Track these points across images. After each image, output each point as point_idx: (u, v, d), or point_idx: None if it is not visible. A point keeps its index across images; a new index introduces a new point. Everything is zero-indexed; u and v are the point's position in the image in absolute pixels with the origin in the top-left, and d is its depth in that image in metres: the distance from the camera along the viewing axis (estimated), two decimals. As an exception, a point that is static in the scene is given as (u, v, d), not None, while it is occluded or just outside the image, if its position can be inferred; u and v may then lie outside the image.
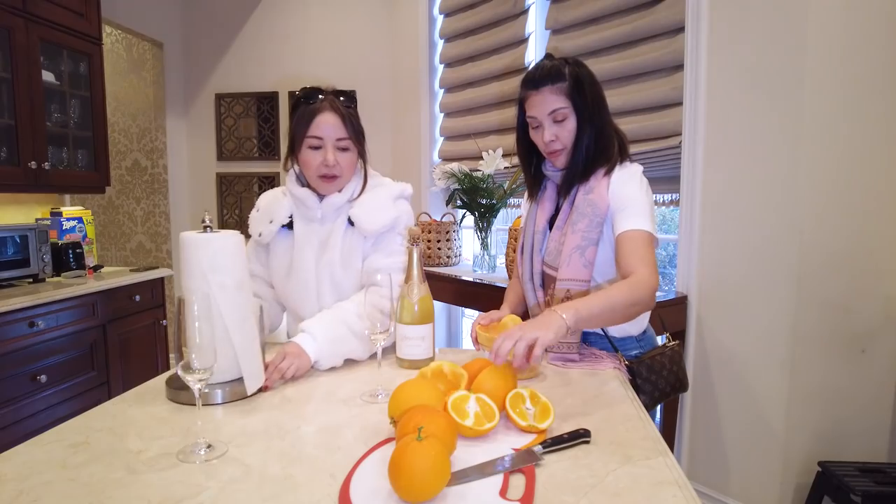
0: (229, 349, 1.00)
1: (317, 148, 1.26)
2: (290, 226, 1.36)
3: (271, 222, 1.34)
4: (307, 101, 1.27)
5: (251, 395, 1.04)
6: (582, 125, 1.24)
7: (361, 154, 1.33)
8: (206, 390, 1.00)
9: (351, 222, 1.31)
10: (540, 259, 1.32)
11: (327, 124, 1.25)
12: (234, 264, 1.04)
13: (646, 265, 1.14)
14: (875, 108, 1.90)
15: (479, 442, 0.83)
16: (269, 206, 1.37)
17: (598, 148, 1.25)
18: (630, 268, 1.15)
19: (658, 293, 2.25)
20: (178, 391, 1.02)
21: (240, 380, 1.03)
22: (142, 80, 3.93)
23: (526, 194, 1.46)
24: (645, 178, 1.27)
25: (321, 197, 1.32)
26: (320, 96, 1.27)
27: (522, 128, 1.34)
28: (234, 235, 1.05)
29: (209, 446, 0.82)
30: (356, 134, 1.29)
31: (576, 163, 1.26)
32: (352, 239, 1.32)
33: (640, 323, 1.34)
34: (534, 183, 1.39)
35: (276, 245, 1.39)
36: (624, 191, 1.22)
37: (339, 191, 1.32)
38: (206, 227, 1.04)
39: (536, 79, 1.25)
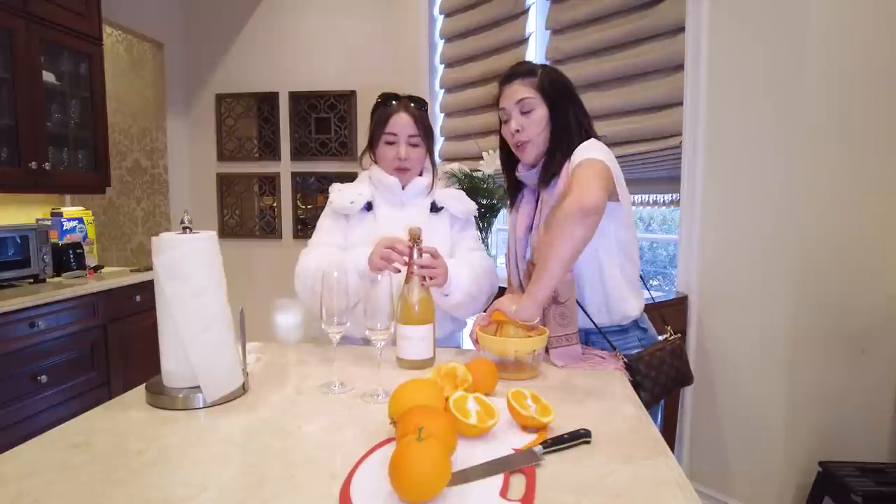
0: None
1: (392, 143, 1.43)
2: (368, 208, 1.47)
3: (360, 194, 1.46)
4: (385, 104, 1.45)
5: (241, 397, 1.04)
6: (556, 118, 1.28)
7: (430, 150, 1.49)
8: (190, 395, 0.99)
9: (433, 209, 1.47)
10: (524, 265, 1.33)
11: (401, 122, 1.42)
12: (197, 269, 0.99)
13: (571, 191, 1.11)
14: (875, 108, 1.90)
15: (480, 442, 0.83)
16: (352, 185, 1.50)
17: (572, 143, 1.27)
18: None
19: (658, 293, 2.28)
20: (158, 396, 1.00)
21: (226, 383, 1.02)
22: (142, 80, 3.93)
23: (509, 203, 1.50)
24: (597, 141, 1.27)
25: (402, 186, 1.46)
26: (395, 101, 1.45)
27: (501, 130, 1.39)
28: (200, 241, 1.00)
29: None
30: (426, 132, 1.45)
31: (552, 156, 1.28)
32: (437, 224, 1.47)
33: (639, 300, 1.35)
34: (513, 190, 1.44)
35: (354, 225, 1.46)
36: (575, 155, 1.24)
37: (419, 175, 1.48)
38: (185, 229, 1.01)
39: (508, 75, 1.34)
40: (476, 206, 1.54)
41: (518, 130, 1.30)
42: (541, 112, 1.29)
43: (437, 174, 1.54)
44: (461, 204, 1.50)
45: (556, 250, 1.10)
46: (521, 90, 1.29)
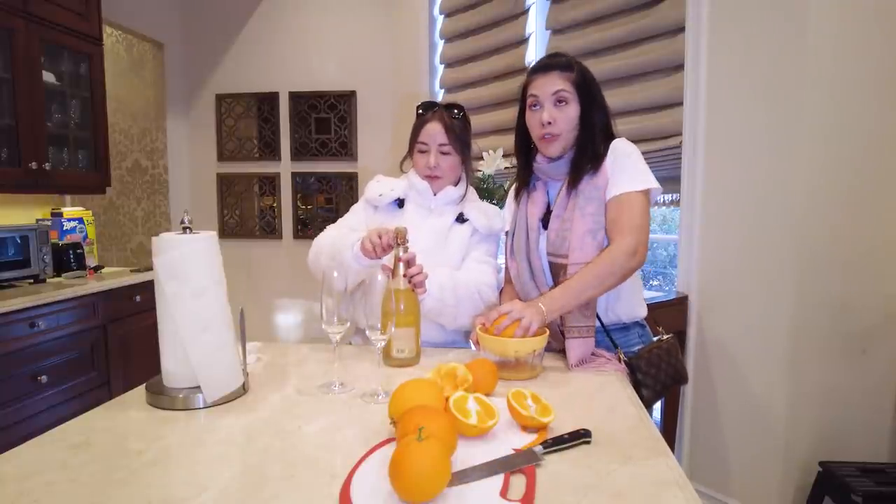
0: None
1: (424, 152, 1.46)
2: (400, 205, 1.50)
3: (392, 190, 1.50)
4: (423, 113, 1.48)
5: (241, 398, 1.04)
6: (587, 115, 1.29)
7: (464, 161, 1.50)
8: (190, 395, 0.99)
9: (459, 220, 1.47)
10: (538, 256, 1.32)
11: (433, 131, 1.44)
12: (197, 270, 0.99)
13: (624, 231, 1.21)
14: (875, 108, 1.90)
15: (480, 442, 0.83)
16: (391, 180, 1.54)
17: (598, 143, 1.29)
18: (610, 236, 1.24)
19: (658, 293, 2.28)
20: (158, 396, 1.00)
21: (226, 383, 1.02)
22: (142, 80, 3.93)
23: (510, 196, 1.49)
24: (635, 148, 1.30)
25: (435, 192, 1.48)
26: (430, 110, 1.48)
27: (522, 115, 1.37)
28: (200, 241, 1.00)
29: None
30: (458, 142, 1.46)
31: (584, 150, 1.29)
32: (458, 233, 1.47)
33: (643, 301, 1.38)
34: (524, 178, 1.42)
35: (382, 218, 1.49)
36: (613, 159, 1.27)
37: (452, 186, 1.49)
38: (185, 229, 1.01)
39: (546, 64, 1.31)
40: (502, 227, 1.50)
41: (550, 122, 1.27)
42: (574, 109, 1.28)
43: (471, 182, 1.54)
44: (486, 219, 1.47)
45: (598, 283, 1.18)
46: (559, 81, 1.27)
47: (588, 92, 1.29)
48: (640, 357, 1.24)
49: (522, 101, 1.35)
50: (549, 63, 1.30)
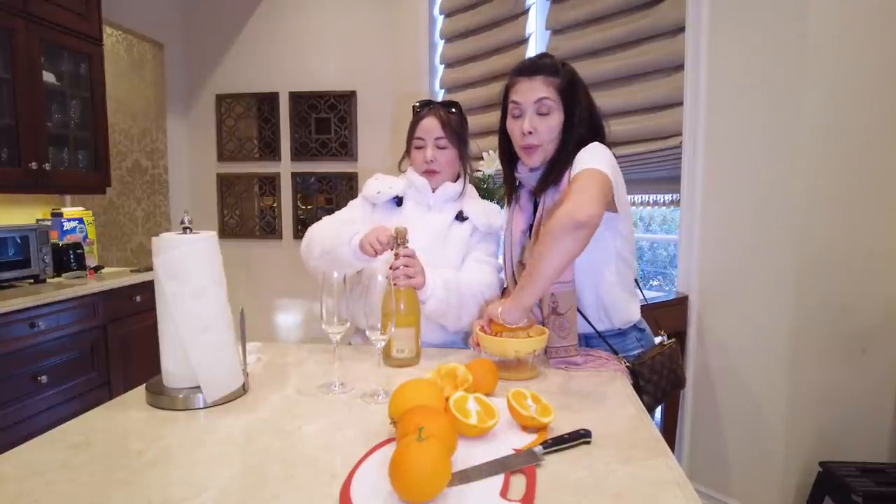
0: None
1: (420, 148, 1.47)
2: (398, 203, 1.50)
3: (391, 188, 1.50)
4: (419, 110, 1.50)
5: (241, 398, 1.04)
6: (569, 127, 1.23)
7: (462, 155, 1.50)
8: (190, 395, 0.99)
9: (458, 218, 1.46)
10: (520, 269, 1.31)
11: (429, 126, 1.46)
12: (197, 270, 0.99)
13: (567, 200, 1.08)
14: (875, 108, 1.90)
15: (480, 442, 0.83)
16: (390, 178, 1.53)
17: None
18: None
19: (658, 293, 2.28)
20: (158, 396, 1.00)
21: (226, 383, 1.02)
22: (142, 80, 3.93)
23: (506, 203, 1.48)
24: (602, 146, 1.21)
25: (433, 188, 1.48)
26: (425, 107, 1.49)
27: (505, 120, 1.33)
28: (200, 241, 1.00)
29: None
30: (454, 135, 1.46)
31: (555, 161, 1.25)
32: (458, 231, 1.47)
33: (636, 304, 1.34)
34: (511, 187, 1.40)
35: (381, 217, 1.48)
36: (578, 160, 1.18)
37: (451, 182, 1.49)
38: (185, 229, 1.01)
39: (531, 67, 1.26)
40: (502, 225, 1.48)
41: (530, 132, 1.23)
42: (557, 118, 1.23)
43: (469, 179, 1.53)
44: (486, 217, 1.47)
45: (545, 260, 1.08)
46: (543, 89, 1.23)
47: (573, 99, 1.23)
48: (643, 363, 1.23)
49: (504, 105, 1.31)
50: (535, 66, 1.25)
